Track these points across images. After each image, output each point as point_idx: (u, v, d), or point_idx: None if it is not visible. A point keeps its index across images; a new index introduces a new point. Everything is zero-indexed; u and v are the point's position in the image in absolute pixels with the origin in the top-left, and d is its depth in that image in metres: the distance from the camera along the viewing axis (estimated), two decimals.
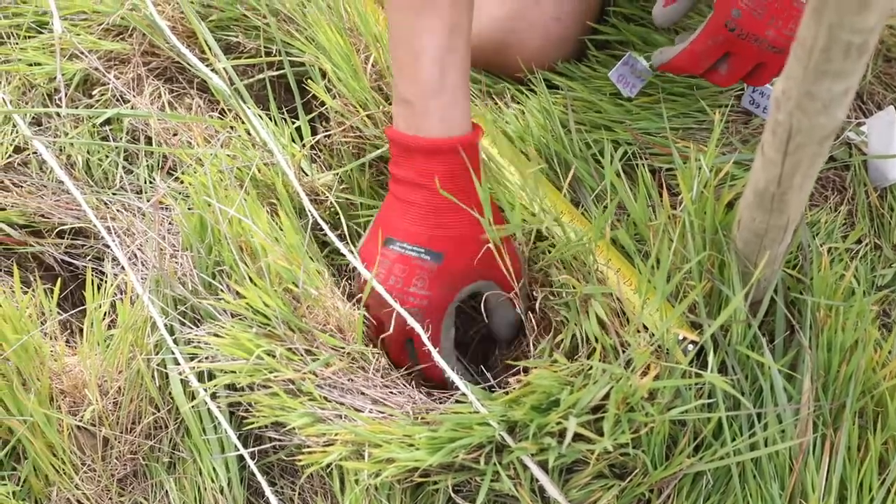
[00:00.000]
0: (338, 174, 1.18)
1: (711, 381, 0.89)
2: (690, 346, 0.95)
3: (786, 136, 0.70)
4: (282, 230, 1.07)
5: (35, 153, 1.32)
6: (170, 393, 1.09)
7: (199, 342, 1.05)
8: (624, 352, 0.95)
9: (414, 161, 1.00)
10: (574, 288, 0.99)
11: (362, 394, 0.99)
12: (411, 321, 0.99)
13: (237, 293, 1.05)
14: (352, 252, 1.07)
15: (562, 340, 1.01)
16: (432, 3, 0.96)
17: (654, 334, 0.93)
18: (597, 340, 0.98)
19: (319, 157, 1.25)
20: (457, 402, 0.97)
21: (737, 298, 0.86)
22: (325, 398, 0.98)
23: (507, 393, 0.94)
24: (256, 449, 1.08)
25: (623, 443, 0.90)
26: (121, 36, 1.41)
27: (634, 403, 0.88)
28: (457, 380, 0.97)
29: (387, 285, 1.01)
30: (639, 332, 0.94)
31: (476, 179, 0.99)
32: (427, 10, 0.96)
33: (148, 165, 1.31)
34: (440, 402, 0.99)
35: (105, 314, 1.16)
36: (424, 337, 0.99)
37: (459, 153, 0.99)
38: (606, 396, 0.89)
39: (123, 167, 1.32)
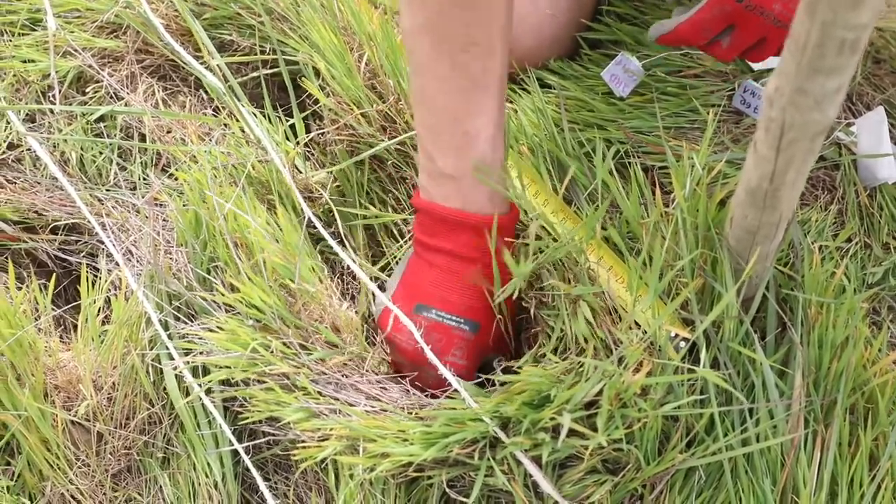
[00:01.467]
0: (331, 172, 1.19)
1: (704, 377, 0.89)
2: (682, 343, 0.95)
3: (779, 133, 0.70)
4: (280, 227, 1.07)
5: (29, 150, 1.32)
6: (164, 388, 1.09)
7: (193, 337, 1.06)
8: (616, 348, 0.95)
9: (460, 236, 1.00)
10: (562, 290, 1.00)
11: (357, 389, 0.99)
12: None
13: (232, 287, 1.06)
14: (344, 247, 1.08)
15: (558, 339, 1.02)
16: (485, 83, 0.95)
17: (646, 331, 0.93)
18: (586, 341, 0.98)
19: (313, 154, 1.25)
20: (449, 398, 0.98)
21: (728, 294, 0.87)
22: (320, 393, 0.98)
23: (498, 387, 0.94)
24: (251, 444, 1.08)
25: (616, 438, 0.90)
26: (115, 33, 1.41)
27: (627, 399, 0.89)
28: (449, 376, 0.97)
29: (417, 350, 1.02)
30: (631, 328, 0.95)
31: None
32: (480, 91, 0.95)
33: (142, 162, 1.31)
34: (434, 398, 0.99)
35: (99, 310, 1.16)
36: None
37: (502, 230, 1.00)
38: (599, 393, 0.89)
39: (117, 164, 1.32)
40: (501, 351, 1.08)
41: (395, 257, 1.18)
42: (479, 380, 1.06)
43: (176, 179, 1.24)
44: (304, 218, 1.11)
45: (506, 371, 1.04)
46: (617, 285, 1.00)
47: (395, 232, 1.19)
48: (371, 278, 1.06)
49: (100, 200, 1.26)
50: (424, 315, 1.02)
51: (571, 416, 0.86)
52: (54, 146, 1.33)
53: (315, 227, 1.11)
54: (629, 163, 1.12)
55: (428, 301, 1.02)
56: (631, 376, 0.88)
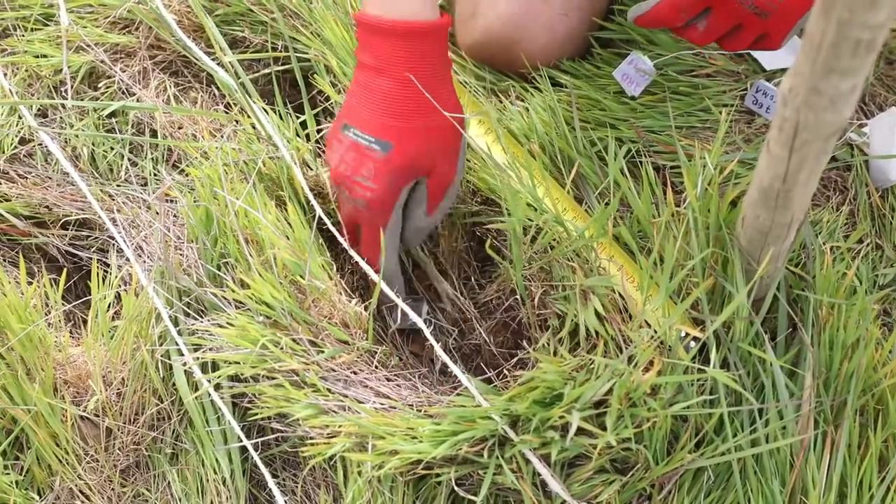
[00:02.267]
0: None
1: (714, 377, 0.89)
2: (693, 343, 0.95)
3: (792, 133, 0.70)
4: (290, 224, 1.07)
5: (41, 144, 1.33)
6: (173, 384, 1.09)
7: (203, 333, 1.06)
8: (627, 347, 0.95)
9: (377, 44, 0.98)
10: (577, 283, 1.00)
11: (366, 386, 0.99)
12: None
13: (242, 283, 1.06)
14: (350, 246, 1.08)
15: (569, 332, 1.02)
16: None
17: (656, 331, 0.93)
18: (597, 335, 0.98)
19: (324, 151, 1.25)
20: (459, 395, 0.98)
21: (740, 295, 0.87)
22: (329, 390, 0.98)
23: (509, 384, 0.94)
24: (259, 440, 1.08)
25: (625, 437, 0.90)
26: (127, 29, 1.42)
27: (637, 399, 0.89)
28: (460, 374, 0.97)
29: (337, 171, 1.02)
30: (641, 327, 0.95)
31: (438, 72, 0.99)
32: None
33: (153, 158, 1.31)
34: (444, 395, 0.99)
35: (109, 305, 1.16)
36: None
37: (426, 39, 0.97)
38: (609, 391, 0.89)
39: (129, 160, 1.32)
40: (432, 179, 1.05)
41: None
42: (486, 376, 1.06)
43: (187, 175, 1.24)
44: (316, 215, 1.11)
45: (518, 364, 1.04)
46: (627, 284, 1.00)
47: None
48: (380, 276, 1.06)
49: (111, 196, 1.26)
50: (346, 134, 1.02)
51: (581, 415, 0.86)
52: (66, 141, 1.33)
53: (325, 224, 1.11)
54: (640, 162, 1.12)
55: (350, 119, 1.01)
56: (641, 375, 0.88)
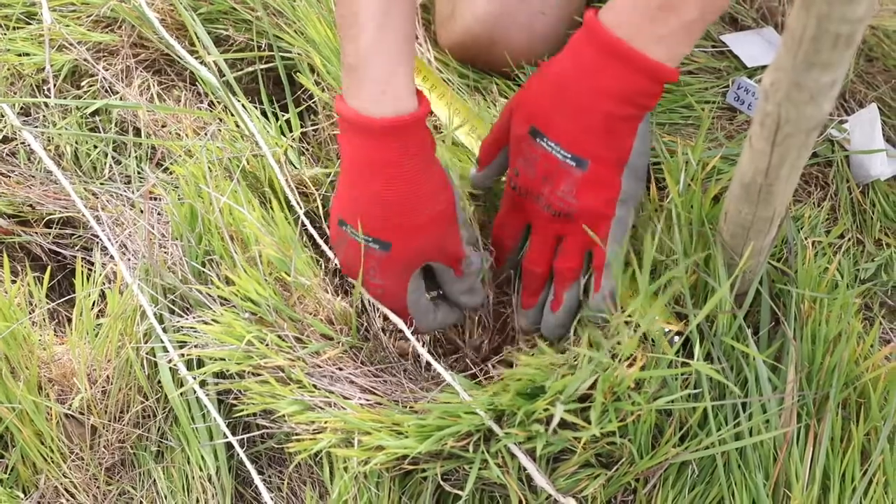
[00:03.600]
0: (329, 174, 1.19)
1: (698, 369, 0.90)
2: (676, 338, 0.96)
3: (774, 127, 0.71)
4: (275, 221, 1.07)
5: (23, 143, 1.33)
6: (159, 381, 1.09)
7: (188, 330, 1.06)
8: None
9: (362, 143, 0.95)
10: None
11: (352, 382, 1.00)
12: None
13: (227, 280, 1.06)
14: (331, 248, 1.08)
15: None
16: None
17: (639, 325, 0.94)
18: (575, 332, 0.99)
19: (308, 149, 1.26)
20: (443, 390, 0.98)
21: (722, 289, 0.88)
22: (315, 386, 0.99)
23: (491, 379, 0.95)
24: (245, 437, 1.08)
25: (610, 431, 0.91)
26: (110, 27, 1.41)
27: (621, 393, 0.89)
28: (442, 371, 0.98)
29: (346, 266, 1.05)
30: (627, 323, 0.95)
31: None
32: None
33: (137, 156, 1.31)
34: (429, 391, 1.00)
35: (94, 303, 1.16)
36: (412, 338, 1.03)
37: (411, 132, 0.95)
38: (593, 385, 0.89)
39: (112, 158, 1.32)
40: (445, 261, 1.03)
41: None
42: (471, 371, 1.06)
43: (171, 174, 1.24)
44: (300, 212, 1.11)
45: (501, 361, 1.04)
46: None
47: None
48: None
49: (94, 194, 1.26)
50: (344, 229, 1.01)
51: (565, 408, 0.86)
52: (49, 140, 1.33)
53: (309, 222, 1.11)
54: None
55: (344, 215, 1.00)
56: (625, 369, 0.88)
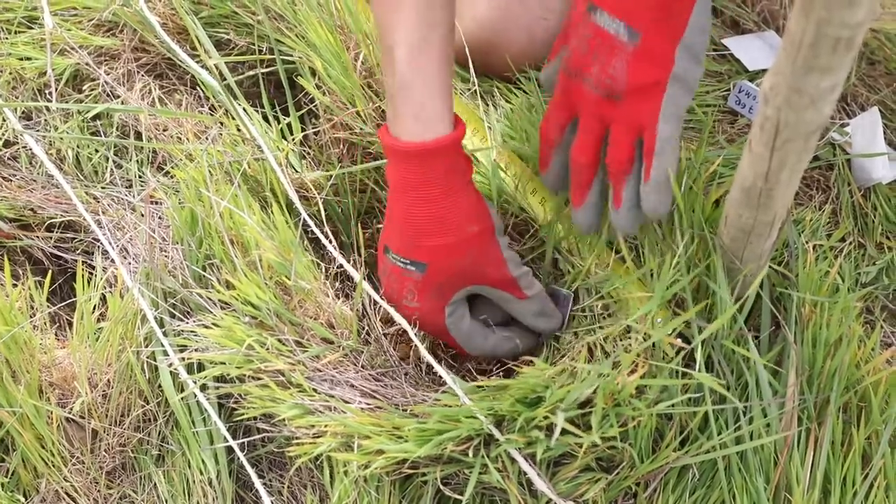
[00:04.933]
0: (331, 177, 1.19)
1: (700, 380, 0.90)
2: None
3: (773, 132, 0.71)
4: (275, 226, 1.07)
5: (25, 147, 1.33)
6: (159, 385, 1.09)
7: (189, 334, 1.06)
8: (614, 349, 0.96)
9: (396, 166, 0.99)
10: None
11: (352, 386, 1.00)
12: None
13: (228, 284, 1.06)
14: (335, 248, 1.08)
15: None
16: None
17: (647, 336, 0.94)
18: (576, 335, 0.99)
19: (309, 153, 1.26)
20: (444, 392, 0.98)
21: (721, 289, 0.88)
22: (315, 390, 0.99)
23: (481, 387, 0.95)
24: (245, 441, 1.08)
25: (611, 436, 0.91)
26: (111, 32, 1.42)
27: (622, 400, 0.89)
28: (443, 373, 0.98)
29: (387, 294, 1.04)
30: (628, 334, 0.95)
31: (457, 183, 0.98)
32: (394, 4, 0.95)
33: (138, 160, 1.32)
34: (430, 394, 1.00)
35: (95, 307, 1.16)
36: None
37: (442, 156, 0.97)
38: (594, 392, 0.89)
39: (114, 162, 1.32)
40: (491, 283, 1.03)
41: None
42: (472, 376, 1.06)
43: (172, 177, 1.24)
44: (301, 216, 1.11)
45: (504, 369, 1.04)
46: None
47: None
48: (364, 277, 1.06)
49: (96, 198, 1.27)
50: (387, 257, 1.02)
51: (565, 416, 0.86)
52: (50, 144, 1.33)
53: (310, 226, 1.11)
54: None
55: (388, 242, 1.02)
56: (626, 378, 0.88)
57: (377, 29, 1.00)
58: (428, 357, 1.00)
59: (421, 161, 0.96)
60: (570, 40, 0.97)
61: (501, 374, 1.06)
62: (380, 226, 1.18)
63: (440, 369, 0.98)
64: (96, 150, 1.32)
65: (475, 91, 1.24)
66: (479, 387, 0.98)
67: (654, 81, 0.90)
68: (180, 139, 1.29)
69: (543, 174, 1.04)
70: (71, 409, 1.09)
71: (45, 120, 1.35)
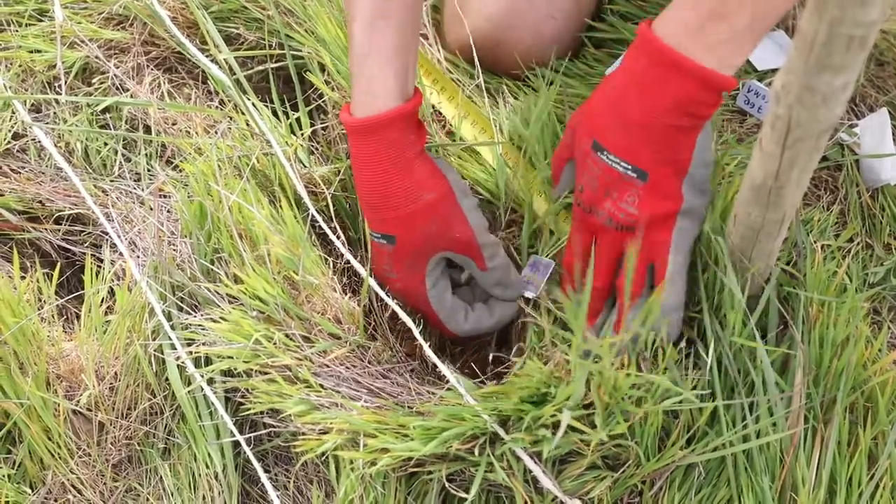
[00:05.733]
0: (340, 172, 1.19)
1: (710, 375, 0.90)
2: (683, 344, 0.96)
3: (785, 130, 0.71)
4: (283, 220, 1.07)
5: (34, 139, 1.33)
6: (166, 379, 1.10)
7: (196, 328, 1.06)
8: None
9: (352, 144, 1.03)
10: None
11: (358, 382, 1.00)
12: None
13: (236, 278, 1.06)
14: (343, 244, 1.09)
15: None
16: None
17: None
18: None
19: (318, 148, 1.26)
20: (449, 390, 0.98)
21: (729, 279, 0.87)
22: (322, 386, 0.99)
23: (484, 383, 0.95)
24: (252, 435, 1.08)
25: (618, 433, 0.91)
26: (121, 25, 1.42)
27: (618, 397, 0.89)
28: (448, 373, 0.98)
29: (375, 271, 1.08)
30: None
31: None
32: None
33: (147, 154, 1.32)
34: (436, 390, 1.00)
35: (103, 300, 1.16)
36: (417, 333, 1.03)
37: (390, 127, 0.99)
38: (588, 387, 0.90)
39: (122, 155, 1.32)
40: (459, 249, 1.05)
41: None
42: (477, 373, 1.06)
43: (181, 171, 1.24)
44: (309, 212, 1.11)
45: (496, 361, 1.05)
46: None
47: None
48: (371, 273, 1.07)
49: (104, 191, 1.27)
50: (370, 233, 1.06)
51: (572, 414, 0.86)
52: (59, 136, 1.33)
53: (318, 221, 1.11)
54: None
55: (366, 219, 1.06)
56: (616, 373, 0.88)
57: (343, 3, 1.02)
58: (432, 356, 1.00)
59: (368, 135, 1.00)
60: (580, 177, 0.99)
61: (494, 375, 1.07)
62: None
63: (444, 369, 0.98)
64: (105, 144, 1.33)
65: (480, 86, 1.24)
66: (482, 383, 0.98)
67: (666, 214, 0.94)
68: (189, 133, 1.29)
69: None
70: (78, 401, 1.09)
71: (55, 113, 1.35)
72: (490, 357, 1.09)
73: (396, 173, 1.00)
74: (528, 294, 1.08)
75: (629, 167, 0.93)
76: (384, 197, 1.01)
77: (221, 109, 1.30)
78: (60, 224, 1.29)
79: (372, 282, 1.05)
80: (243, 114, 1.23)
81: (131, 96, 1.35)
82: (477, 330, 1.08)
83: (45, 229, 1.28)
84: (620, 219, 0.95)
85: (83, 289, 1.17)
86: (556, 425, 0.89)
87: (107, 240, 1.23)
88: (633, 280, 0.96)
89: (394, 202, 1.01)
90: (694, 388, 0.94)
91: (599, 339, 1.00)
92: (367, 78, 0.99)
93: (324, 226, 1.10)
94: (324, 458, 1.06)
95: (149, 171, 1.30)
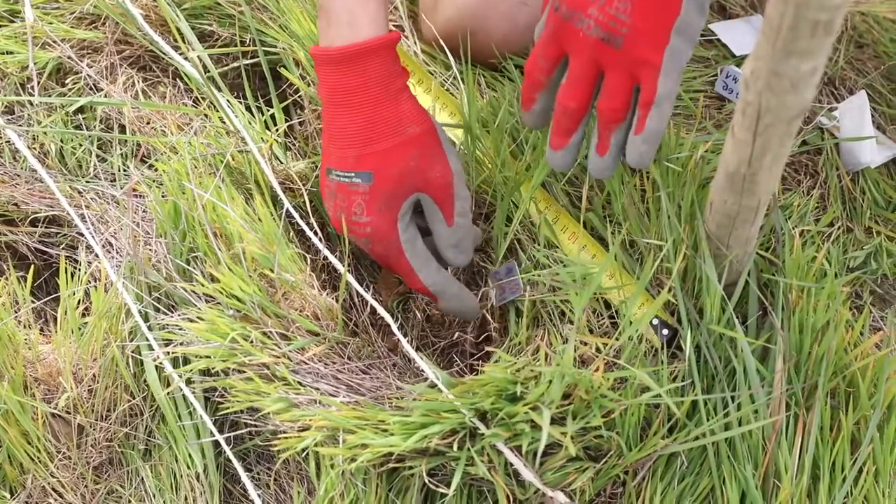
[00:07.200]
0: (316, 167, 1.18)
1: (690, 362, 0.89)
2: (666, 332, 0.96)
3: (755, 116, 0.71)
4: (259, 218, 1.07)
5: (8, 142, 1.32)
6: (145, 380, 1.09)
7: (173, 328, 1.05)
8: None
9: (326, 77, 0.98)
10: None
11: (337, 378, 0.99)
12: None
13: (212, 277, 1.05)
14: (321, 240, 1.08)
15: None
16: None
17: (631, 321, 0.93)
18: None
19: (294, 144, 1.25)
20: (428, 387, 0.98)
21: (706, 268, 0.87)
22: (300, 383, 0.98)
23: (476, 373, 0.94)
24: (232, 434, 1.08)
25: (595, 426, 0.90)
26: (93, 24, 1.41)
27: (597, 395, 0.89)
28: (426, 367, 0.97)
29: (334, 219, 1.02)
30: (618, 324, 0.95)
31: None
32: None
33: (122, 154, 1.31)
34: (417, 385, 0.99)
35: (79, 302, 1.16)
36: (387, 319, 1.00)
37: (371, 57, 0.96)
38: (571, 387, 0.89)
39: (97, 155, 1.31)
40: (433, 193, 1.01)
41: None
42: (457, 367, 1.06)
43: (155, 170, 1.23)
44: (284, 208, 1.10)
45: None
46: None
47: None
48: (351, 268, 1.06)
49: (79, 192, 1.26)
50: (329, 178, 1.01)
51: (550, 412, 0.85)
52: (33, 138, 1.32)
53: (296, 218, 1.10)
54: None
55: (328, 162, 1.01)
56: (592, 374, 0.88)
57: None
58: (410, 351, 0.99)
59: (357, 62, 0.96)
60: None
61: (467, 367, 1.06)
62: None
63: (422, 363, 0.97)
64: (80, 144, 1.32)
65: (455, 77, 1.23)
66: (461, 377, 0.98)
67: (659, 26, 0.87)
68: (164, 132, 1.28)
69: (526, 113, 1.00)
70: (56, 404, 1.08)
71: (28, 114, 1.34)
72: (470, 344, 1.09)
73: (386, 103, 0.97)
74: (515, 296, 1.05)
75: None
76: (369, 128, 0.97)
77: (196, 107, 1.29)
78: (36, 226, 1.28)
79: (350, 278, 1.04)
80: (218, 111, 1.22)
81: (105, 96, 1.34)
82: (446, 286, 1.03)
83: (21, 232, 1.27)
84: (607, 27, 0.88)
85: (59, 291, 1.17)
86: (533, 420, 0.89)
87: (82, 241, 1.23)
88: (614, 106, 0.91)
89: (378, 134, 0.97)
90: (674, 378, 0.94)
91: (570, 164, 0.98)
92: (348, 10, 0.95)
93: (300, 222, 1.09)
94: (305, 455, 1.05)
95: (124, 170, 1.29)
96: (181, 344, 1.04)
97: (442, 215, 1.02)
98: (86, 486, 1.09)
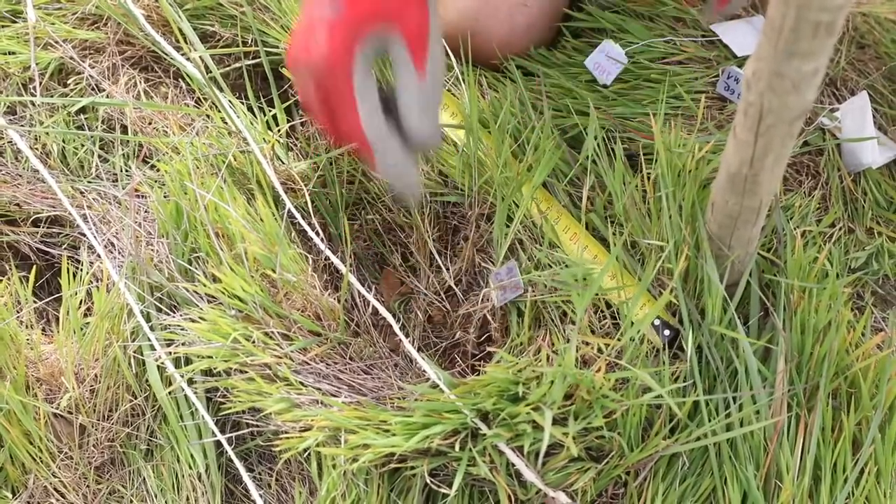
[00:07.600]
0: (318, 168, 1.18)
1: (691, 363, 0.89)
2: (667, 332, 0.96)
3: (757, 117, 0.71)
4: (261, 218, 1.07)
5: (10, 142, 1.32)
6: (147, 380, 1.09)
7: (175, 328, 1.05)
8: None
9: None
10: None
11: (338, 379, 0.99)
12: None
13: (214, 277, 1.05)
14: (323, 241, 1.08)
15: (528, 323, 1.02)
16: None
17: (633, 322, 0.93)
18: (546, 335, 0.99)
19: (296, 145, 1.25)
20: (430, 387, 0.98)
21: (708, 268, 0.87)
22: (302, 383, 0.98)
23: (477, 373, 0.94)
24: (234, 435, 1.08)
25: (597, 426, 0.90)
26: (95, 25, 1.41)
27: (599, 395, 0.89)
28: (427, 368, 0.97)
29: (289, 54, 0.91)
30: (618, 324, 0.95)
31: None
32: None
33: (123, 154, 1.31)
34: (419, 385, 0.99)
35: (81, 302, 1.16)
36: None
37: None
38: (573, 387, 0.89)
39: (99, 156, 1.31)
40: (406, 34, 0.89)
41: (378, 248, 1.18)
42: (460, 367, 1.06)
43: (157, 171, 1.24)
44: (286, 208, 1.10)
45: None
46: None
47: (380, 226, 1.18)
48: (352, 268, 1.06)
49: (81, 192, 1.26)
50: (301, 18, 0.90)
51: (552, 413, 0.86)
52: (35, 138, 1.32)
53: (298, 218, 1.11)
54: (612, 149, 1.12)
55: (306, 3, 0.89)
56: (594, 374, 0.88)
57: None
58: (412, 351, 0.99)
59: None
60: None
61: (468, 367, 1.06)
62: (369, 216, 1.17)
63: (424, 364, 0.97)
64: (82, 145, 1.32)
65: (456, 77, 1.23)
66: (462, 377, 0.98)
67: None
68: (166, 132, 1.28)
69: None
70: (58, 404, 1.08)
71: (30, 115, 1.34)
72: (472, 344, 1.09)
73: None
74: (517, 294, 1.04)
75: None
76: None
77: (198, 108, 1.29)
78: (38, 226, 1.28)
79: (352, 278, 1.04)
80: (219, 111, 1.22)
81: (107, 96, 1.34)
82: (388, 142, 0.91)
83: (23, 232, 1.27)
84: None
85: (61, 291, 1.17)
86: (535, 421, 0.89)
87: (84, 241, 1.23)
88: None
89: None
90: (675, 379, 0.94)
91: None
92: None
93: (302, 222, 1.09)
94: (306, 455, 1.05)
95: (126, 171, 1.29)
96: (183, 344, 1.04)
97: (412, 64, 0.89)
98: (87, 486, 1.09)
